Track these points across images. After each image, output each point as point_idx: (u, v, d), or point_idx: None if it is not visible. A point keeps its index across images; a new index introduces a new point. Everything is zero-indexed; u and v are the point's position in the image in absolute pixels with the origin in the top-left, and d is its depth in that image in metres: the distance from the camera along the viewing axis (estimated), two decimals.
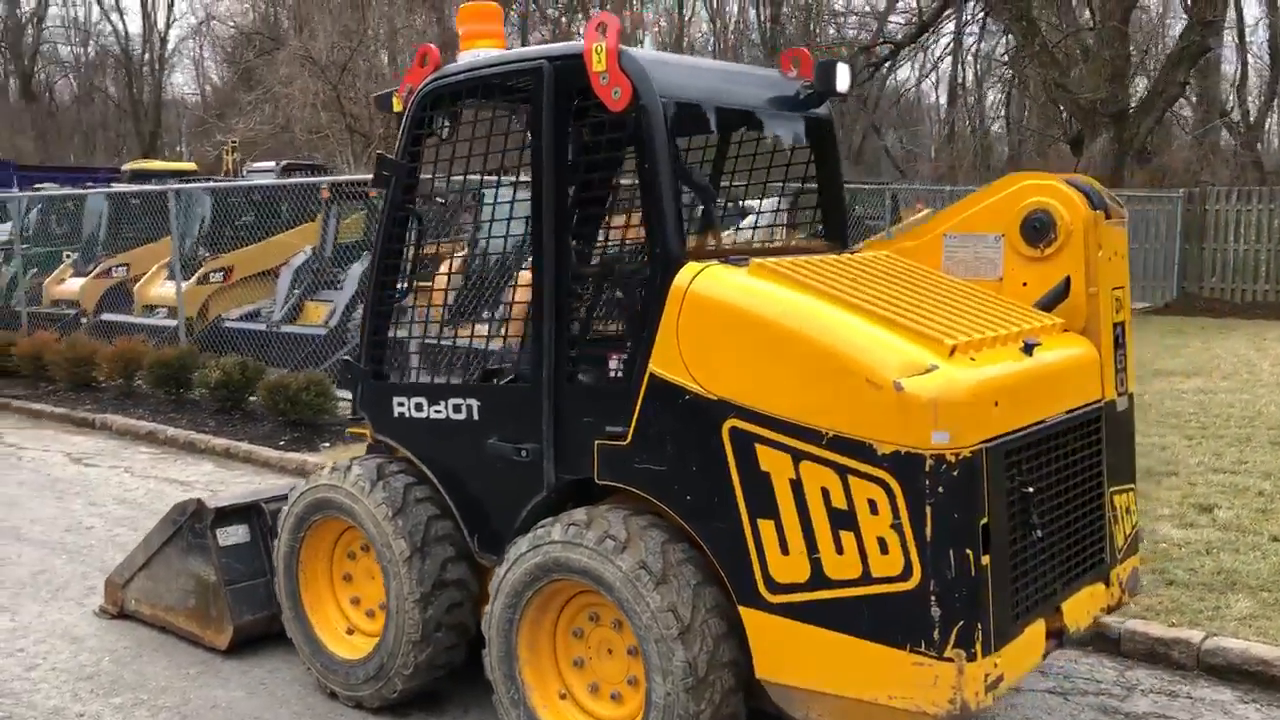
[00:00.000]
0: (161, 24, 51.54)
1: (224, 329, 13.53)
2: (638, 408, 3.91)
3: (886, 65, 29.22)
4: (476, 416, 4.46)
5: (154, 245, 15.44)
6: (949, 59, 35.19)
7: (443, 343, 4.67)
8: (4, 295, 16.50)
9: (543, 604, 4.10)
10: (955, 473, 3.31)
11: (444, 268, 6.46)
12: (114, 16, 48.68)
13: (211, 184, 17.59)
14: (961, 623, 3.34)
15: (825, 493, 3.51)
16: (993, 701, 3.50)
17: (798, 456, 3.55)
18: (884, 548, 3.42)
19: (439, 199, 4.53)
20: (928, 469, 3.32)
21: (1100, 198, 4.23)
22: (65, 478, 8.98)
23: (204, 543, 5.30)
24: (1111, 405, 4.16)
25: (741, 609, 3.75)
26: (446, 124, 4.57)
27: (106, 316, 14.82)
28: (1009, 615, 3.54)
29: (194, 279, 14.29)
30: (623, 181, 4.84)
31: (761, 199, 5.06)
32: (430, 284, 4.64)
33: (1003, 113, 37.84)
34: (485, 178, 4.79)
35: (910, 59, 34.16)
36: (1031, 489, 3.61)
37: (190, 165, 25.09)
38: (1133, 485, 4.35)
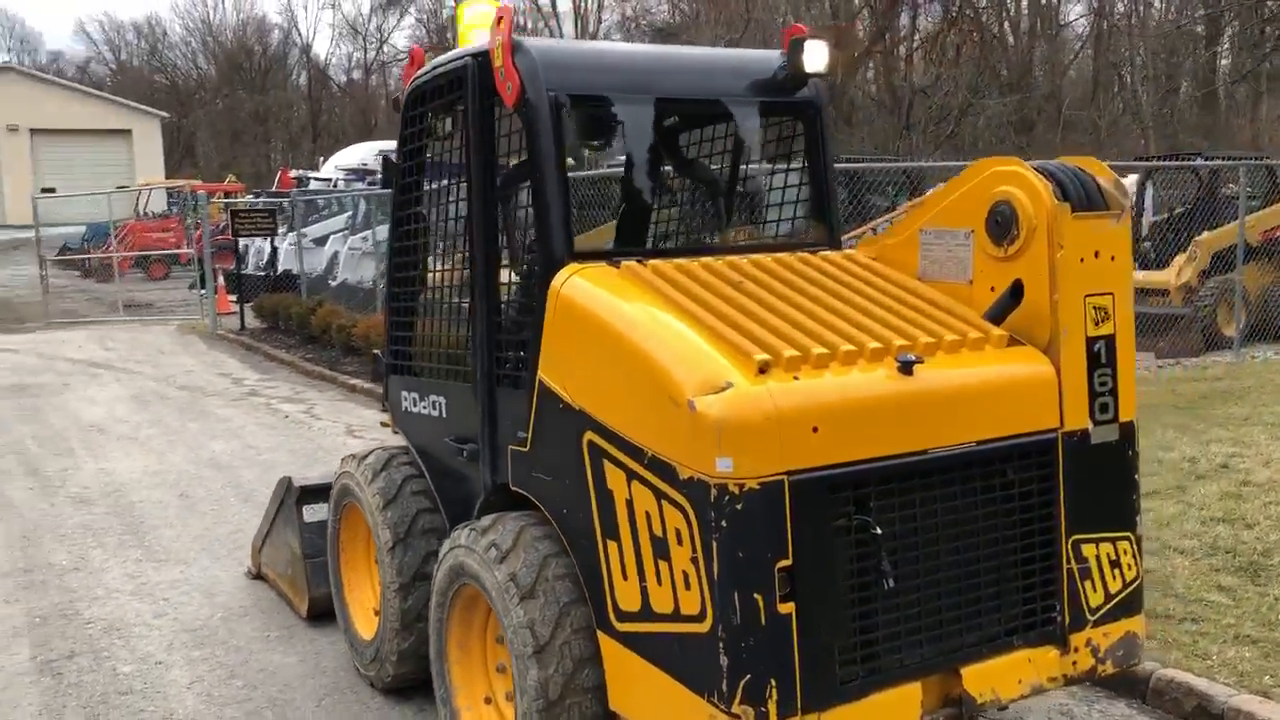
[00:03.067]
0: (592, 26, 55.21)
1: None
2: (531, 414, 3.81)
3: None
4: (444, 414, 4.53)
5: None
6: None
7: (428, 339, 4.77)
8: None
9: (466, 605, 4.10)
10: (739, 506, 2.95)
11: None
12: (552, 23, 52.31)
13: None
14: (749, 676, 2.97)
15: (648, 517, 3.25)
16: None
17: (630, 475, 3.31)
18: (687, 583, 3.11)
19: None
20: (712, 499, 2.98)
21: (1081, 186, 3.53)
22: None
23: (293, 517, 5.78)
24: (1078, 436, 3.47)
25: (599, 633, 3.56)
26: (441, 123, 4.65)
27: None
28: (839, 675, 3.09)
29: None
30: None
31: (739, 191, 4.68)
32: (429, 282, 4.73)
33: None
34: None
35: None
36: (880, 531, 3.12)
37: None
38: (1126, 533, 3.60)
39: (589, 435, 3.48)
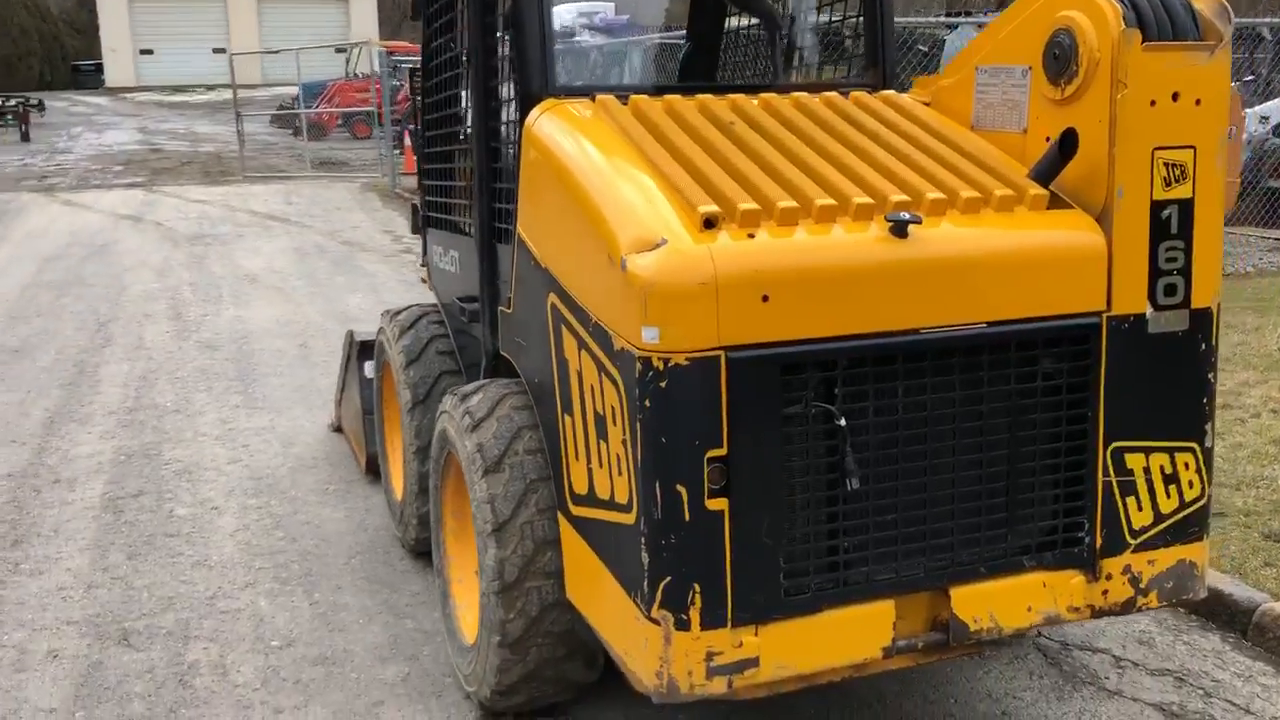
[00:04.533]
0: None
1: None
2: (513, 272, 3.44)
3: None
4: (459, 270, 4.22)
5: None
6: None
7: (445, 190, 4.42)
8: None
9: (456, 474, 3.83)
10: (663, 383, 2.50)
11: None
12: None
13: None
14: (669, 578, 2.57)
15: (592, 391, 2.86)
16: (745, 692, 2.67)
17: (580, 344, 2.91)
18: (619, 467, 2.72)
19: None
20: (638, 374, 2.55)
21: (1165, 9, 2.81)
22: None
23: (356, 372, 5.65)
24: (1130, 322, 2.84)
25: (559, 516, 3.22)
26: None
27: None
28: (784, 585, 2.65)
29: None
30: None
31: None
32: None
33: None
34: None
35: None
36: (845, 422, 2.61)
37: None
38: (1190, 444, 2.95)
39: (551, 297, 3.09)
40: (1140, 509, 2.93)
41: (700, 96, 3.22)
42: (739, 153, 2.87)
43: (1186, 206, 2.85)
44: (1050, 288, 2.77)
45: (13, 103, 32.36)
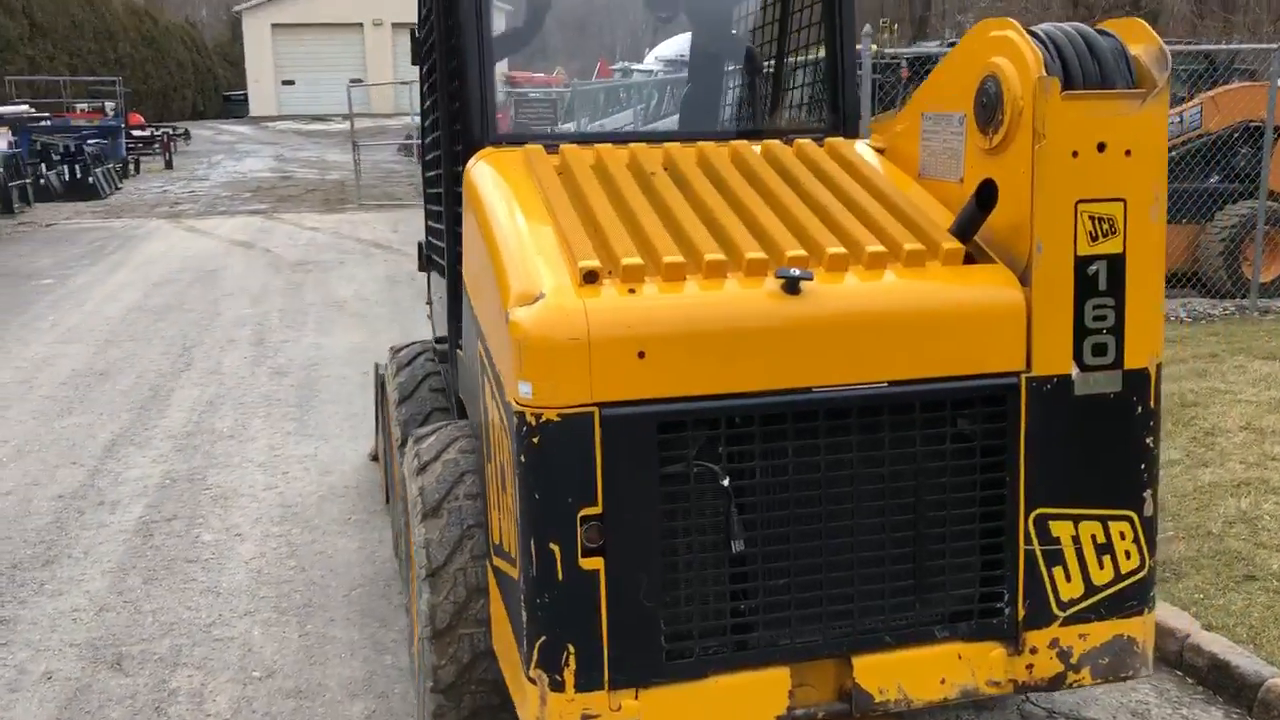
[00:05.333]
0: None
1: None
2: (463, 315, 3.47)
3: None
4: (440, 309, 4.27)
5: None
6: None
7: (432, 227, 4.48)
8: None
9: None
10: (536, 439, 2.48)
11: None
12: None
13: None
14: (544, 638, 2.54)
15: (499, 440, 2.86)
16: None
17: (492, 393, 2.91)
18: (513, 519, 2.70)
19: None
20: (514, 429, 2.53)
21: (1091, 55, 2.68)
22: None
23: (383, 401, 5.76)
24: (1054, 384, 2.70)
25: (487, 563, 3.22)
26: None
27: None
28: (666, 649, 2.59)
29: None
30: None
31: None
32: None
33: None
34: None
35: None
36: (729, 482, 2.55)
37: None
38: (1126, 512, 2.78)
39: (479, 343, 3.10)
40: (1069, 580, 2.77)
41: (635, 146, 3.20)
42: (646, 205, 2.84)
43: (1116, 262, 2.70)
44: (960, 346, 2.65)
45: (160, 133, 34.13)
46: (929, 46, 21.60)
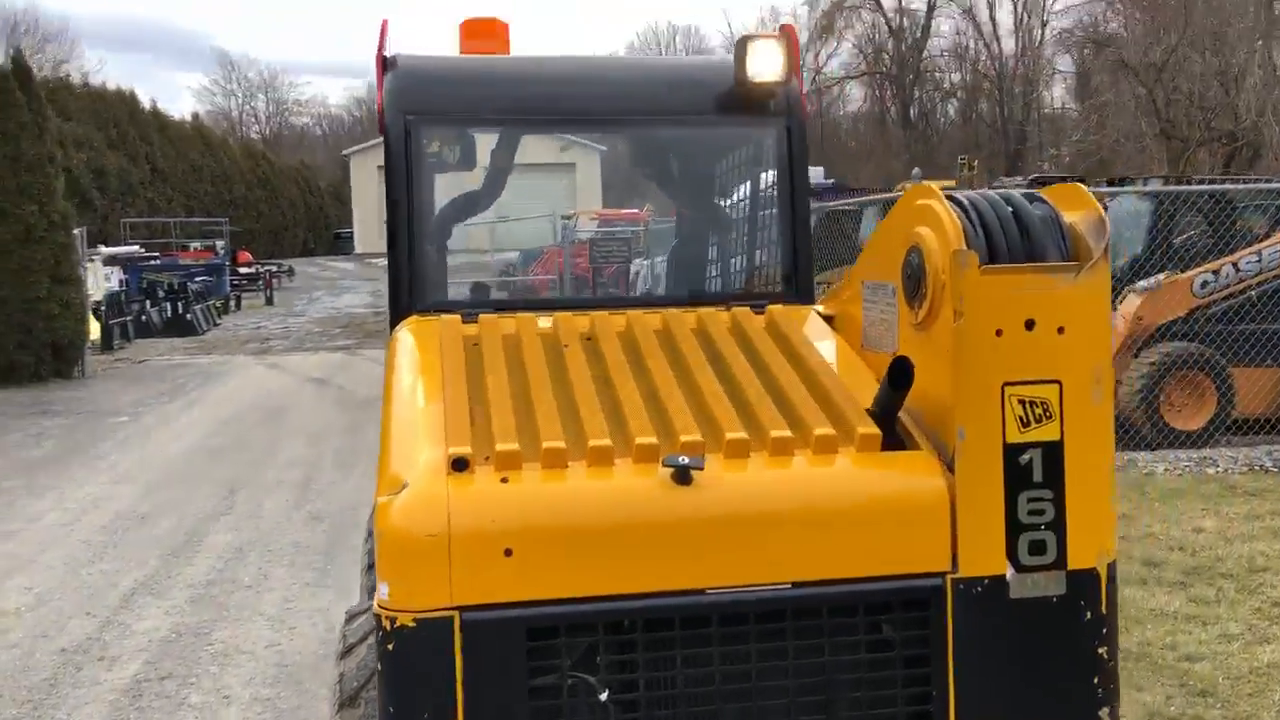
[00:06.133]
0: (1034, 41, 52.03)
1: None
2: None
3: None
4: None
5: None
6: None
7: None
8: None
9: None
10: (391, 645, 2.28)
11: None
12: (992, 45, 50.22)
13: None
14: None
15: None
16: None
17: None
18: None
19: None
20: (375, 632, 2.33)
21: (1017, 224, 2.47)
22: None
23: None
24: (984, 585, 2.40)
25: None
26: None
27: None
28: None
29: None
30: None
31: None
32: None
33: None
34: None
35: None
36: (608, 696, 2.30)
37: (950, 183, 25.06)
38: None
39: None
40: None
41: (562, 314, 3.05)
42: (546, 382, 2.66)
43: (1053, 450, 2.42)
44: (874, 543, 2.39)
45: (263, 270, 35.48)
46: (1007, 183, 21.41)
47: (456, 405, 2.54)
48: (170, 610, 6.58)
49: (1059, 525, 2.42)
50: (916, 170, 8.40)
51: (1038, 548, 2.42)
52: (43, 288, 16.83)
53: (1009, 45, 51.64)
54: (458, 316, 3.00)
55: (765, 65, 3.22)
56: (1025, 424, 2.41)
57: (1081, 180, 19.26)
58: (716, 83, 3.35)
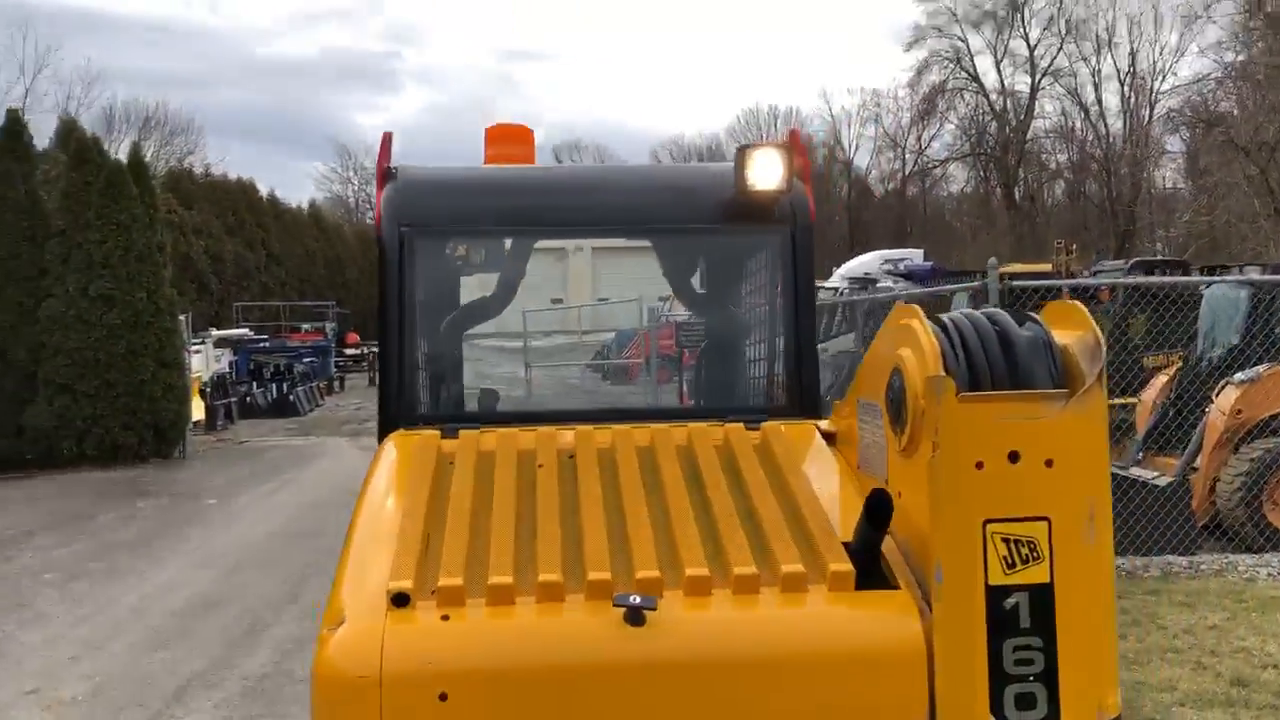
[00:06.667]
0: (1142, 121, 51.02)
1: None
2: None
3: None
4: None
5: None
6: None
7: None
8: None
9: None
10: None
11: None
12: (1099, 125, 49.47)
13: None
14: None
15: None
16: None
17: None
18: None
19: None
20: None
21: (1001, 346, 2.31)
22: None
23: None
24: None
25: None
26: None
27: None
28: None
29: None
30: None
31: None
32: None
33: None
34: None
35: None
36: None
37: (1045, 266, 24.44)
38: None
39: None
40: None
41: (545, 430, 2.95)
42: (510, 507, 2.56)
43: (1042, 594, 2.22)
44: (841, 694, 2.21)
45: (368, 351, 36.33)
46: (1107, 267, 20.74)
47: (411, 532, 2.45)
48: (220, 703, 6.57)
49: (1050, 677, 2.21)
50: (993, 260, 8.07)
51: (1026, 701, 2.21)
52: (148, 371, 17.44)
53: (1116, 125, 50.76)
54: (438, 433, 2.93)
55: (765, 174, 3.12)
56: (1010, 565, 2.22)
57: (1184, 264, 18.55)
58: (716, 190, 3.26)
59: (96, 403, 16.98)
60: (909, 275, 27.29)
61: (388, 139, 3.33)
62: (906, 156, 59.22)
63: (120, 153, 23.97)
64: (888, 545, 2.41)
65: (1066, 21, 51.73)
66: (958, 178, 58.60)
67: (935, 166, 55.98)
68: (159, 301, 17.91)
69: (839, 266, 39.53)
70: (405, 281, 3.23)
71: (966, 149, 55.79)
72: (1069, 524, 2.23)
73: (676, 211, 3.33)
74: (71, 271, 17.15)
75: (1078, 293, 11.96)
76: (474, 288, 3.80)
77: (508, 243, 3.68)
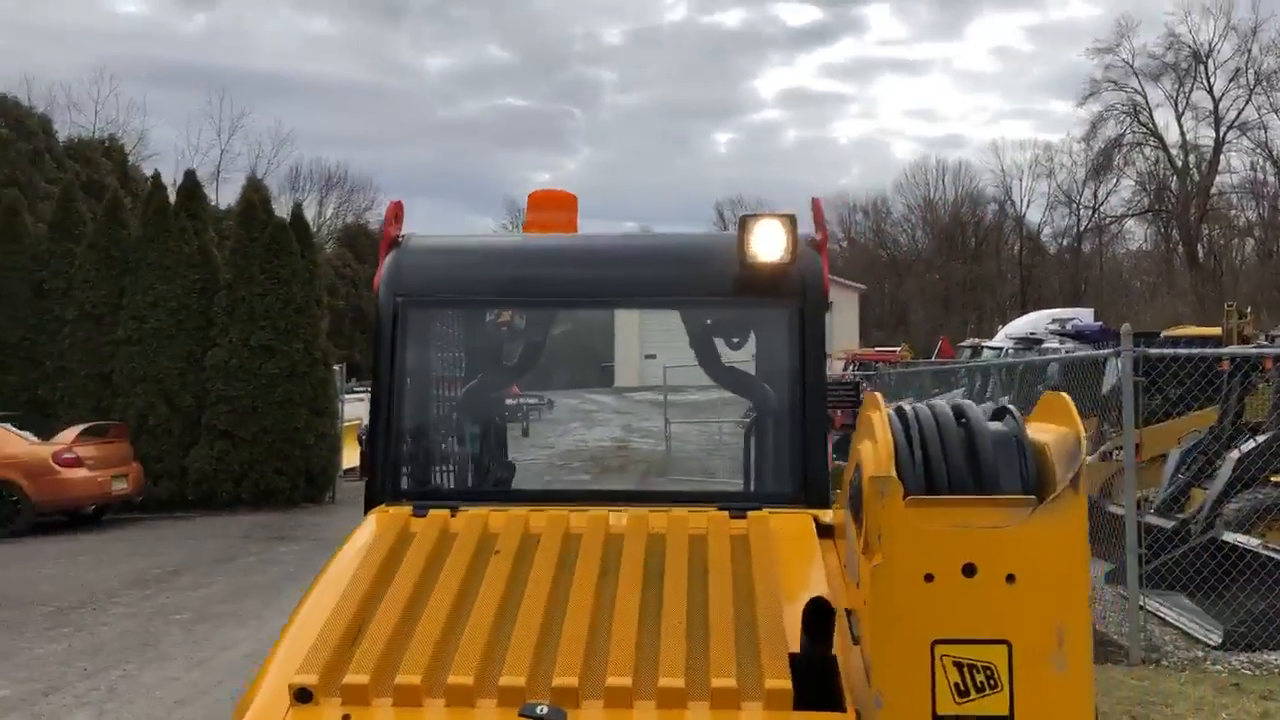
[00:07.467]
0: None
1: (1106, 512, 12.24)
2: None
3: None
4: None
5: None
6: None
7: None
8: None
9: None
10: None
11: None
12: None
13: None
14: None
15: None
16: None
17: None
18: None
19: None
20: None
21: (964, 443, 2.07)
22: None
23: None
24: None
25: None
26: None
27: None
28: None
29: (1096, 455, 13.31)
30: None
31: None
32: None
33: None
34: None
35: None
36: None
37: (1214, 330, 22.82)
38: None
39: None
40: None
41: (514, 511, 2.82)
42: (447, 597, 2.44)
43: None
44: None
45: (520, 402, 36.94)
46: None
47: (337, 621, 2.36)
48: None
49: None
50: (1126, 326, 7.49)
51: None
52: (301, 419, 18.11)
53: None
54: (406, 511, 2.84)
55: (767, 246, 2.94)
56: (963, 693, 1.97)
57: None
58: (721, 261, 3.09)
59: (253, 448, 17.71)
60: (1077, 335, 26.11)
61: (395, 207, 3.29)
62: (1081, 212, 57.17)
63: (307, 210, 25.18)
64: (853, 661, 2.18)
65: (1256, 73, 49.22)
66: (1136, 234, 56.21)
67: (1111, 222, 53.80)
68: (315, 352, 18.62)
69: (1004, 325, 38.25)
70: (398, 351, 3.16)
71: (1145, 204, 53.45)
72: (1033, 649, 1.96)
73: (677, 284, 3.18)
74: (236, 323, 18.02)
75: (1236, 362, 11.12)
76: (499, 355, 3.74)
77: (525, 312, 3.60)
